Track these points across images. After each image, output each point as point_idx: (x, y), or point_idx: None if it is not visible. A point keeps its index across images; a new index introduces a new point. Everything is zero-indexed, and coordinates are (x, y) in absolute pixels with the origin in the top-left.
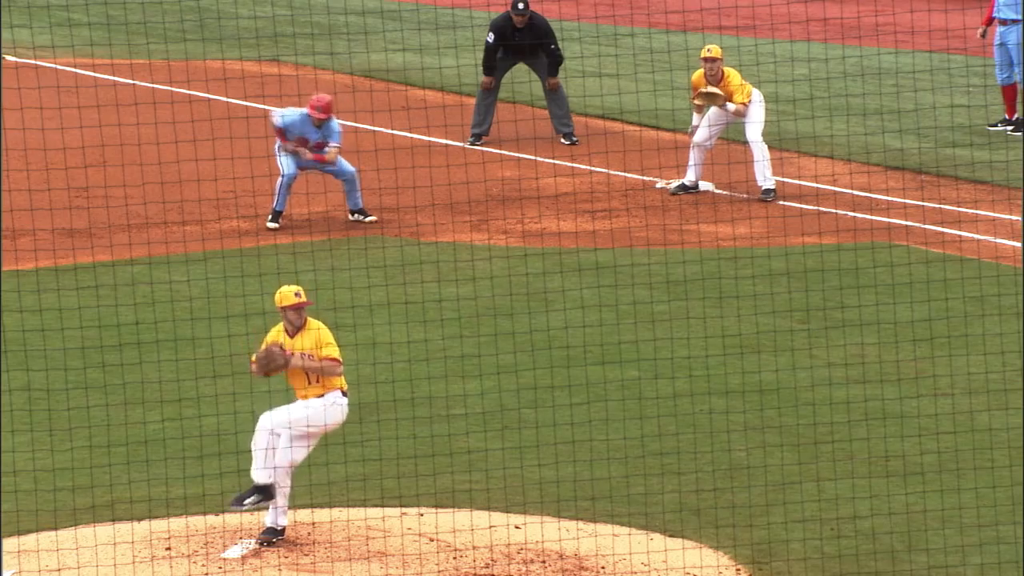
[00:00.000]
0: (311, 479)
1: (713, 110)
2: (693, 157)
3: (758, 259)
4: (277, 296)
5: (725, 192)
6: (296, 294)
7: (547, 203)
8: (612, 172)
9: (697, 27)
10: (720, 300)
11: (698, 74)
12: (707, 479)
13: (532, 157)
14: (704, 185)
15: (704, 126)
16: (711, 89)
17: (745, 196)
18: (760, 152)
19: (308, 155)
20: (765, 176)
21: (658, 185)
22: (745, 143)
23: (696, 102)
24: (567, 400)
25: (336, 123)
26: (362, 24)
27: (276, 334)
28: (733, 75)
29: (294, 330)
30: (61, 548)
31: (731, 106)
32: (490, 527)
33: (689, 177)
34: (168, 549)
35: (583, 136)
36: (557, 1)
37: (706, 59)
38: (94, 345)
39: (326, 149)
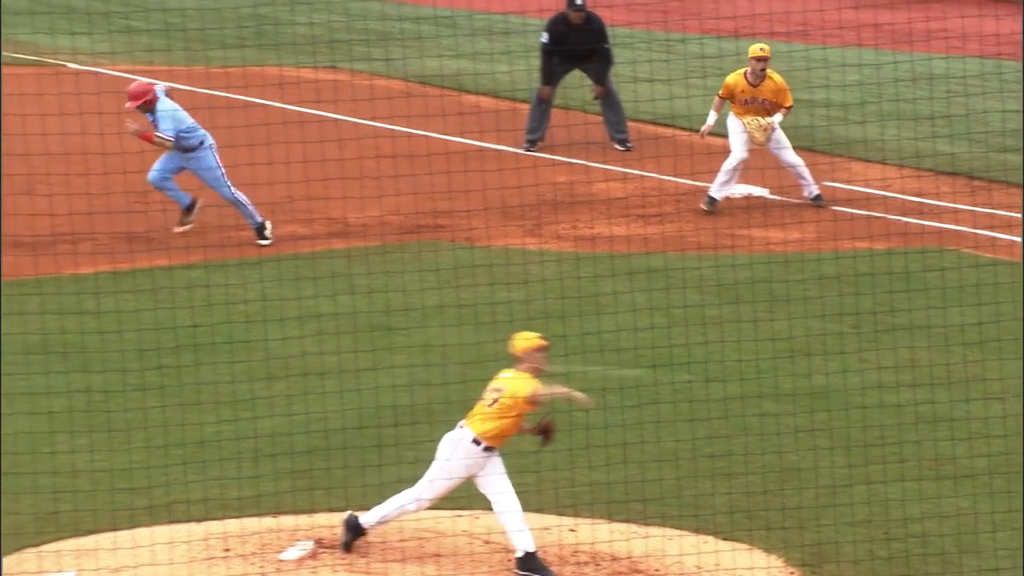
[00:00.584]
0: (365, 480)
1: (737, 130)
2: (723, 174)
3: (809, 263)
4: (521, 342)
5: (777, 197)
6: (540, 337)
7: (600, 208)
8: (664, 177)
9: (749, 33)
10: (771, 304)
11: (736, 75)
12: (759, 482)
13: (585, 162)
14: (757, 190)
15: (739, 146)
16: (765, 122)
17: (797, 201)
18: (801, 167)
19: (132, 129)
20: (811, 184)
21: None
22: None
23: (756, 135)
24: (619, 403)
25: (166, 107)
26: (417, 31)
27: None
28: (776, 76)
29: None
30: (119, 548)
31: (778, 117)
32: (543, 529)
33: (717, 195)
34: (227, 550)
35: (635, 141)
36: (610, 8)
37: (759, 58)
38: (152, 348)
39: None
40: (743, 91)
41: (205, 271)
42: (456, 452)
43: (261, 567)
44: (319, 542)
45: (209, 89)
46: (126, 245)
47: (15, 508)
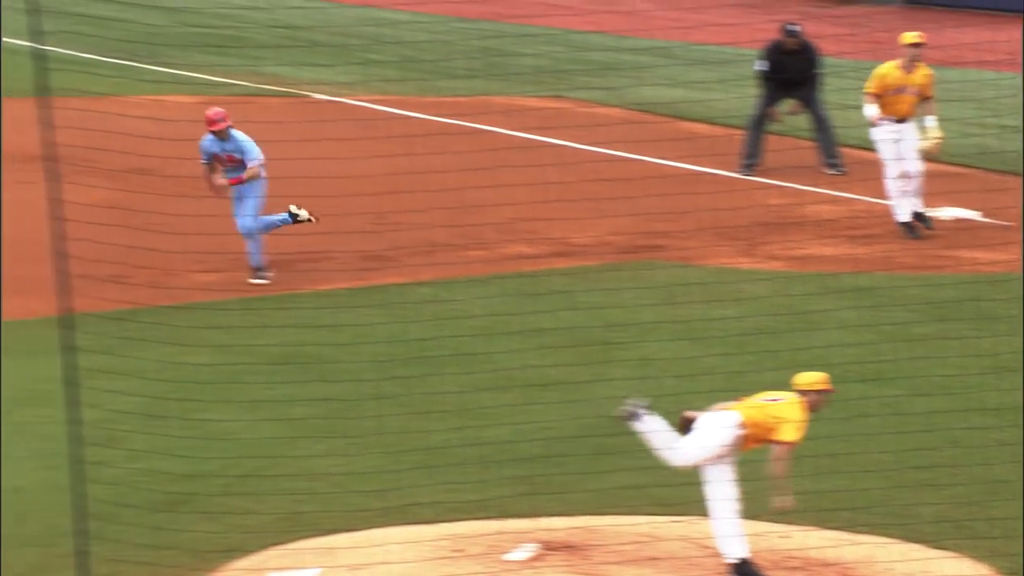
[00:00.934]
0: (586, 486)
1: (885, 138)
2: (896, 189)
3: (1015, 283)
4: (807, 378)
5: (987, 220)
6: (827, 381)
7: (811, 229)
8: (873, 200)
9: (957, 63)
10: (978, 322)
11: (888, 66)
12: (965, 493)
13: (797, 186)
14: (968, 213)
15: (890, 155)
16: (936, 136)
17: (1005, 223)
18: (919, 179)
19: (220, 180)
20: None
21: (928, 214)
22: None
23: (933, 150)
24: (829, 415)
25: (243, 135)
26: (636, 61)
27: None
28: (924, 65)
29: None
30: (357, 547)
31: (931, 120)
32: (756, 535)
33: (903, 215)
34: (459, 551)
35: (846, 165)
36: (819, 39)
37: (915, 44)
38: (385, 360)
39: (248, 165)
40: (896, 79)
41: (435, 288)
42: (716, 429)
43: (488, 567)
44: (544, 544)
45: (439, 116)
46: (363, 263)
47: (260, 508)
